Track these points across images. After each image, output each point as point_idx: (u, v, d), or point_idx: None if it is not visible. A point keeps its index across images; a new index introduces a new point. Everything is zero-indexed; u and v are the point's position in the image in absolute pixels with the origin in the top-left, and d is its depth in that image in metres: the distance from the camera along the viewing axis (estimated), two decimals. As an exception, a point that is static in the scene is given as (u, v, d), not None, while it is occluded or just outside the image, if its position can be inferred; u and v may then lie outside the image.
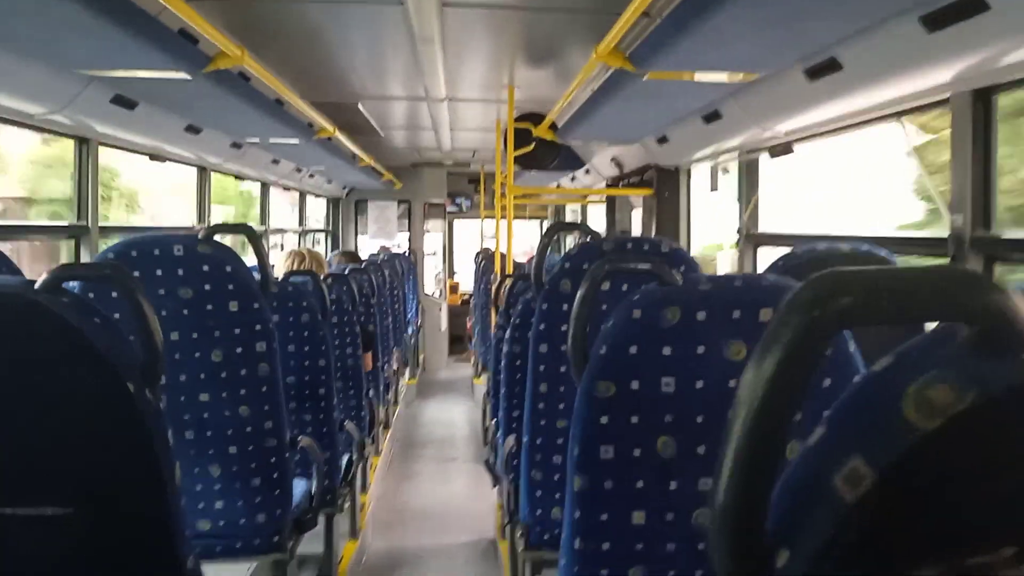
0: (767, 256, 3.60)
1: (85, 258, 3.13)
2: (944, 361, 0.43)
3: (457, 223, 10.34)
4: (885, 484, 0.42)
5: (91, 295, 1.88)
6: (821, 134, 2.90)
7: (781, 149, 3.12)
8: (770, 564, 0.45)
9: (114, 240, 2.93)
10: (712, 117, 3.18)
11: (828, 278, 0.44)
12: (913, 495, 0.42)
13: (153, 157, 4.01)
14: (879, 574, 0.42)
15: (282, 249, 6.83)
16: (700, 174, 4.44)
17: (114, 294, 1.87)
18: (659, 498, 1.34)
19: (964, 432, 0.41)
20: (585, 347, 1.46)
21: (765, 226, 3.73)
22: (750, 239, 3.71)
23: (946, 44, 1.78)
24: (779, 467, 0.45)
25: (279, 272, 3.49)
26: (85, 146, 3.15)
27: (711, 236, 5.13)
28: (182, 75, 2.53)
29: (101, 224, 3.24)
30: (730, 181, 4.01)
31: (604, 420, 1.33)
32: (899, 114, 2.33)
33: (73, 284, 1.89)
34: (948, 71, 1.96)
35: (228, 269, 2.04)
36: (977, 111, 2.03)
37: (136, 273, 1.98)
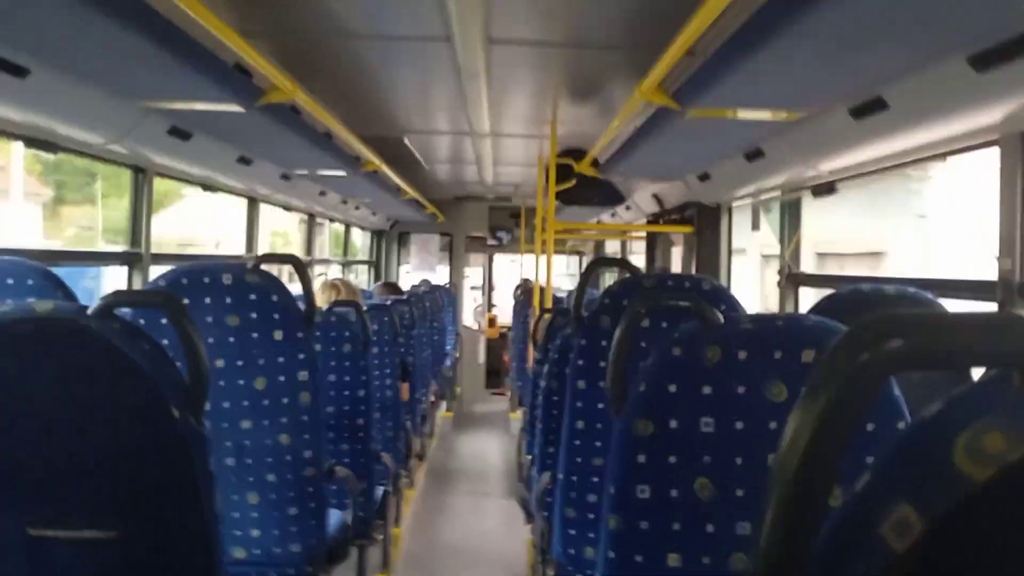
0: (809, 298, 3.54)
1: (137, 284, 3.22)
2: (996, 408, 0.42)
3: (497, 257, 10.39)
4: (936, 534, 0.41)
5: (141, 321, 1.93)
6: (866, 173, 2.86)
7: (824, 189, 3.08)
8: None
9: (166, 267, 3.00)
10: (755, 155, 3.16)
11: (878, 321, 0.43)
12: (965, 545, 0.41)
13: (205, 187, 4.13)
14: None
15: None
16: (742, 213, 4.41)
17: (163, 320, 1.92)
18: (695, 541, 1.31)
19: (1019, 482, 0.40)
20: (624, 384, 1.45)
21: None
22: (791, 279, 3.66)
23: (995, 85, 1.76)
24: (823, 514, 0.44)
25: (316, 302, 3.54)
26: (141, 176, 3.25)
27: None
28: (236, 108, 2.61)
29: (153, 252, 3.33)
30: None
31: (641, 459, 1.32)
32: (946, 154, 2.30)
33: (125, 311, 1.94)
34: (997, 112, 1.92)
35: (274, 298, 2.08)
36: (1028, 153, 1.99)
37: (185, 300, 2.03)
